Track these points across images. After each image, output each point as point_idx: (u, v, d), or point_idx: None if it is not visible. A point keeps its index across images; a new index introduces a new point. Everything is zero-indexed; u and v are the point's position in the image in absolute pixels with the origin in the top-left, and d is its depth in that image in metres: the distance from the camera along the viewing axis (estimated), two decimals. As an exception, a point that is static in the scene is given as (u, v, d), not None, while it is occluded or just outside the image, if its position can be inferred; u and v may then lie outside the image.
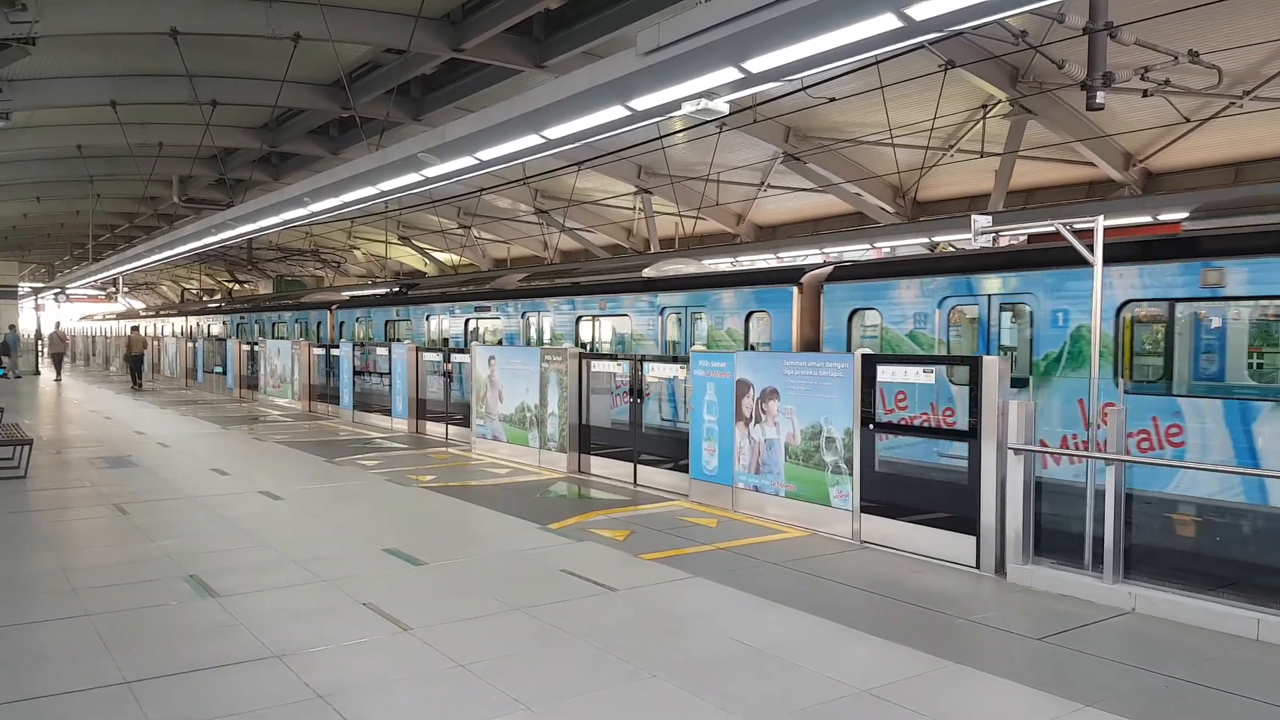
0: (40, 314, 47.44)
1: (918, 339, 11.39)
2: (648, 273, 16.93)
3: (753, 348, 13.61)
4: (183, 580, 7.13)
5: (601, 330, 17.87)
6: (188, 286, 55.81)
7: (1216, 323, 9.42)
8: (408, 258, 43.64)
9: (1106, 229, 7.30)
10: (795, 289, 13.14)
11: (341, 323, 28.09)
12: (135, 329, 33.41)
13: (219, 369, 28.20)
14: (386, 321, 25.29)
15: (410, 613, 6.33)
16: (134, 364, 29.99)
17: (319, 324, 29.39)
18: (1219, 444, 8.56)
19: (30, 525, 9.27)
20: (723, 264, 20.06)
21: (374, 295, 28.98)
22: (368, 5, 15.91)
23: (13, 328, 39.69)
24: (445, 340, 21.74)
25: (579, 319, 17.64)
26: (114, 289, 46.22)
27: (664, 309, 15.42)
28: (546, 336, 18.74)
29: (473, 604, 6.62)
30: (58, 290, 47.58)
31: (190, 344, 32.42)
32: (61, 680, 5.16)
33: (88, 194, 32.24)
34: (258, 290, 49.30)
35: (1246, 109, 14.59)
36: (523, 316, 19.26)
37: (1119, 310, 9.34)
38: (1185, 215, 10.54)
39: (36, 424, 17.49)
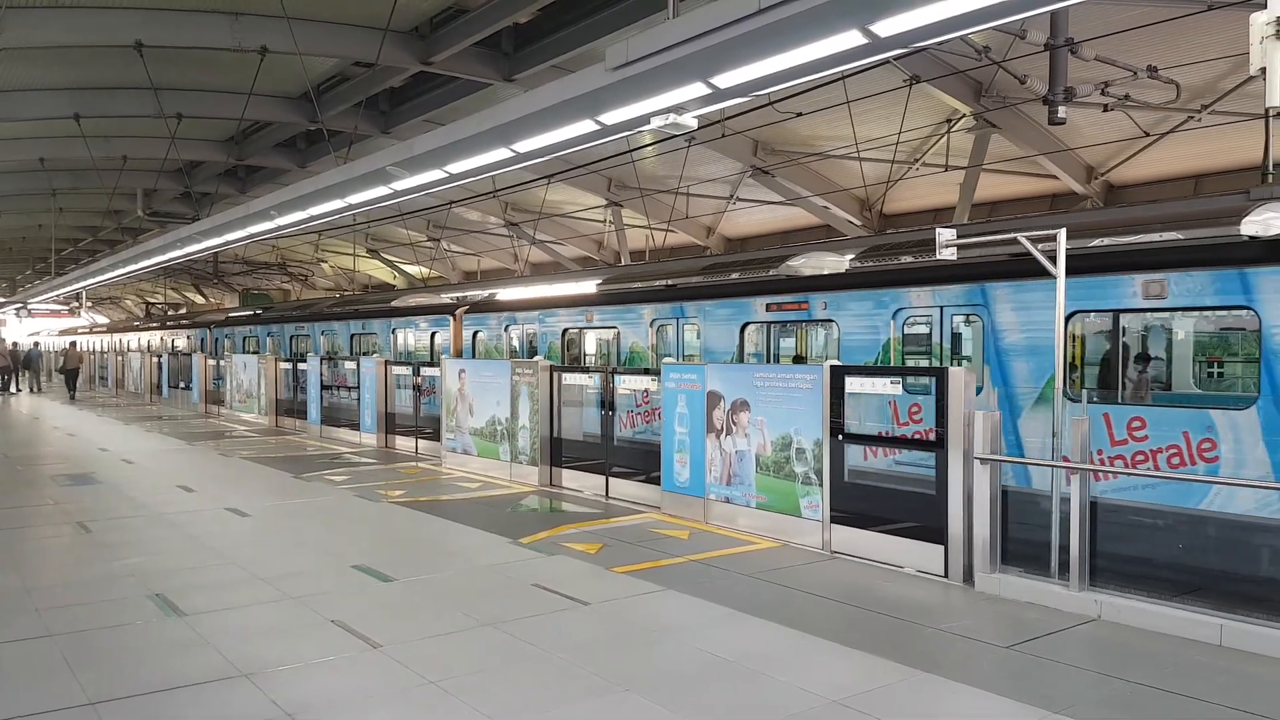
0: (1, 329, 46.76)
1: (499, 349, 19.39)
2: (394, 304, 24.72)
3: (435, 351, 20.63)
4: (148, 599, 7.04)
5: (362, 343, 25.19)
6: (152, 300, 55.50)
7: (610, 338, 17.03)
8: (377, 271, 43.42)
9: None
10: (452, 317, 20.60)
11: (216, 339, 35.01)
12: (72, 345, 37.67)
13: (183, 384, 28.83)
14: (244, 338, 32.46)
15: (380, 630, 6.29)
16: (69, 376, 32.76)
17: (202, 339, 36.36)
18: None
19: (-9, 544, 9.11)
20: (479, 293, 25.26)
21: (240, 316, 35.76)
22: (335, 18, 15.83)
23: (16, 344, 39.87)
24: (279, 351, 28.13)
25: (352, 335, 25.64)
26: (77, 304, 45.66)
27: (395, 328, 23.48)
28: (333, 348, 26.17)
29: (443, 620, 6.59)
30: (19, 305, 46.87)
31: (155, 359, 32.34)
32: (24, 702, 5.08)
33: (50, 207, 31.81)
34: (224, 304, 49.17)
35: (1205, 123, 14.87)
36: (322, 334, 27.03)
37: (563, 333, 17.49)
38: (599, 281, 17.84)
39: (-3, 441, 17.20)
